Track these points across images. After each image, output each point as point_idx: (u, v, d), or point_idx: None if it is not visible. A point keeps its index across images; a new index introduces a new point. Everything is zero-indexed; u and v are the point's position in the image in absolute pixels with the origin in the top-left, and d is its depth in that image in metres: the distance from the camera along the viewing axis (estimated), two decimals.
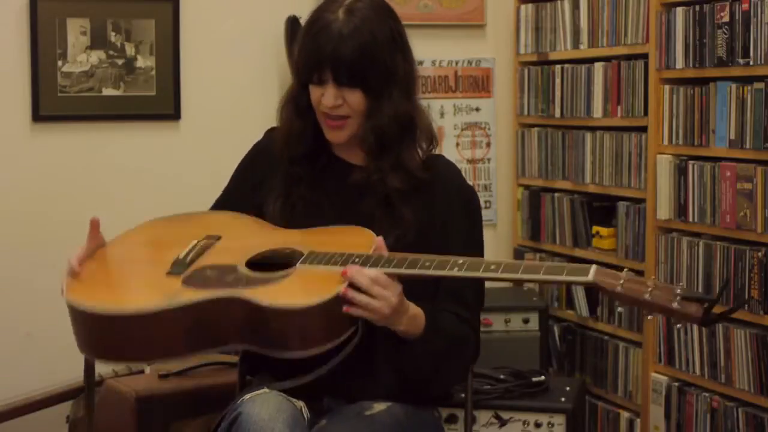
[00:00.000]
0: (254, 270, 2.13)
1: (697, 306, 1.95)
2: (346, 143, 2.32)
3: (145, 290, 2.13)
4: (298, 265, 2.12)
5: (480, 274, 2.04)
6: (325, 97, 2.24)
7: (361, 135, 2.28)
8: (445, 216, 2.29)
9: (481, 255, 2.31)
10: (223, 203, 2.45)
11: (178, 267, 2.16)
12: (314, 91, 2.28)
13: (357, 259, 2.07)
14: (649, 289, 1.94)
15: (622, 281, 1.96)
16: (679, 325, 1.99)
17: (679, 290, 1.95)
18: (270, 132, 2.45)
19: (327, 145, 2.36)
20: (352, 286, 2.03)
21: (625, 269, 2.03)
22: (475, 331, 2.31)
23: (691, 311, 1.94)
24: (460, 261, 2.05)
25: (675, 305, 1.94)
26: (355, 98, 2.24)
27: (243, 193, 2.41)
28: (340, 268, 2.06)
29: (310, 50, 2.25)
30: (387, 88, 2.26)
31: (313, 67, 2.25)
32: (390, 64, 2.26)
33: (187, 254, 2.20)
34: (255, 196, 2.37)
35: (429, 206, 2.28)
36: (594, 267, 1.99)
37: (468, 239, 2.31)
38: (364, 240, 2.15)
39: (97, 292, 2.12)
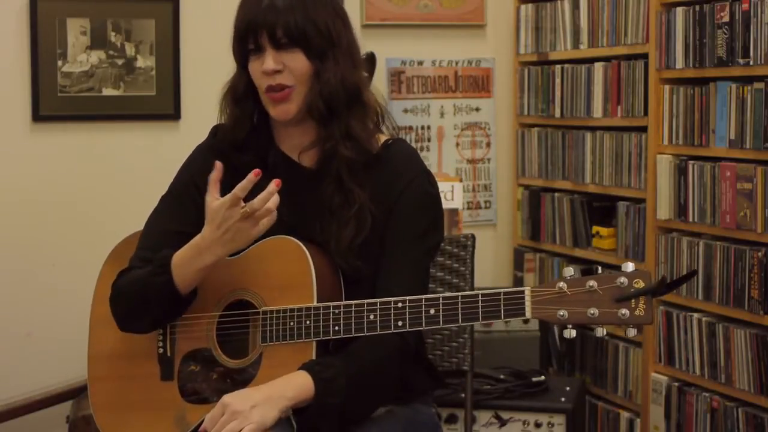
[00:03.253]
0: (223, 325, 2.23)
1: (642, 306, 1.95)
2: (297, 137, 2.23)
3: (158, 422, 2.24)
4: (261, 343, 2.15)
5: (423, 327, 2.05)
6: (266, 61, 2.15)
7: (309, 101, 2.18)
8: (397, 206, 2.20)
9: (424, 251, 2.22)
10: (171, 217, 2.29)
11: (166, 367, 2.25)
12: (254, 66, 2.18)
13: (308, 322, 2.11)
14: (593, 312, 1.96)
15: (563, 312, 1.96)
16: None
17: (618, 292, 1.96)
18: (215, 129, 2.33)
19: (272, 142, 2.27)
20: None
21: (567, 276, 2.00)
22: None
23: (641, 319, 1.96)
24: (400, 305, 2.04)
25: (621, 313, 1.95)
26: (297, 62, 2.15)
27: (194, 203, 2.26)
28: (302, 342, 2.11)
29: (242, 20, 2.17)
30: (331, 51, 2.17)
31: (247, 35, 2.16)
32: (331, 27, 2.17)
33: (164, 343, 2.26)
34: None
35: (381, 192, 2.20)
36: (529, 305, 1.98)
37: (418, 233, 2.21)
38: (298, 265, 2.13)
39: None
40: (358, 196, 2.17)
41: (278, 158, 2.26)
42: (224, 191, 2.20)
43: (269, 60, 2.15)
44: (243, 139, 2.25)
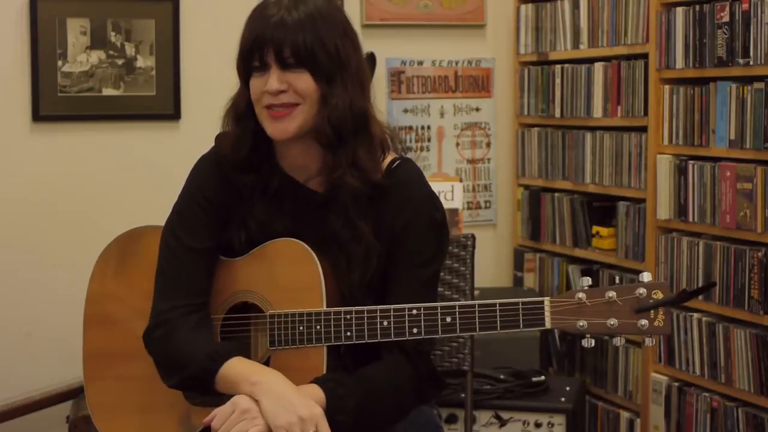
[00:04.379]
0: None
1: (661, 316, 1.96)
2: (299, 158, 2.16)
3: (161, 424, 2.23)
4: (269, 347, 2.13)
5: (439, 334, 2.04)
6: (269, 81, 2.06)
7: (315, 126, 2.09)
8: (405, 232, 2.14)
9: (432, 275, 2.18)
10: (190, 236, 2.20)
11: None
12: (256, 83, 2.10)
13: (317, 324, 2.08)
14: (613, 323, 1.96)
15: (583, 323, 1.96)
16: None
17: (637, 303, 1.96)
18: (218, 139, 2.26)
19: (275, 162, 2.20)
20: None
21: (583, 286, 2.00)
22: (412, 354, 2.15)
23: (660, 330, 1.96)
24: (415, 312, 2.03)
25: (641, 324, 1.96)
26: (304, 82, 2.07)
27: (207, 216, 2.22)
28: (310, 347, 2.08)
29: (249, 35, 2.09)
30: (339, 74, 2.09)
31: (253, 50, 2.08)
32: (340, 48, 2.09)
33: None
34: (220, 219, 2.22)
35: (387, 218, 2.15)
36: (549, 316, 1.98)
37: (427, 258, 2.16)
38: (306, 269, 2.11)
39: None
40: (363, 230, 2.13)
41: (284, 181, 2.20)
42: (225, 211, 2.20)
43: (273, 79, 2.06)
44: (245, 158, 2.18)
